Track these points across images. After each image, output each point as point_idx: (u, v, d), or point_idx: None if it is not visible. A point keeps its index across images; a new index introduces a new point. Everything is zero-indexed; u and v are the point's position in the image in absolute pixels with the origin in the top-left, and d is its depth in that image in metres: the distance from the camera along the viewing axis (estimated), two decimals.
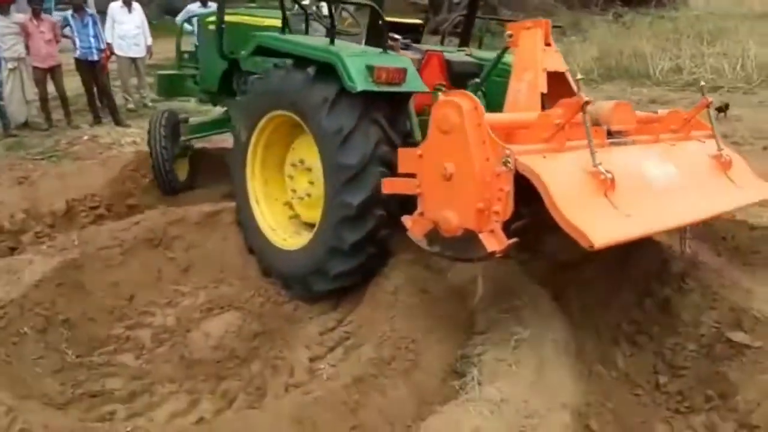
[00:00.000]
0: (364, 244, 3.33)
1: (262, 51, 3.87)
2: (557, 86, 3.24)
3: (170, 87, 5.98)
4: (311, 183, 3.73)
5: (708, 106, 3.22)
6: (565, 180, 2.34)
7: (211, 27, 4.96)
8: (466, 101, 2.52)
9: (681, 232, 3.28)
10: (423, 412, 2.51)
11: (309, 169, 3.72)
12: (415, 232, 2.77)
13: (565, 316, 3.10)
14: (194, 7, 9.16)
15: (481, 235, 2.46)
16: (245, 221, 4.05)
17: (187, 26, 6.60)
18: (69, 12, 8.62)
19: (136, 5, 9.28)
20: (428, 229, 2.69)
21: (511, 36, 3.42)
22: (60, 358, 3.34)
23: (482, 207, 2.44)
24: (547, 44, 3.36)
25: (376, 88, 3.18)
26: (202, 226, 4.32)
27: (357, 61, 3.20)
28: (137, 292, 3.93)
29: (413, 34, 4.78)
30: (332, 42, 3.42)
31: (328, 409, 2.40)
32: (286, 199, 4.02)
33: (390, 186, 3.00)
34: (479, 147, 2.46)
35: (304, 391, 2.53)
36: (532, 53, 3.30)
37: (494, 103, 3.65)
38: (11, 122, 7.91)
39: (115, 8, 9.14)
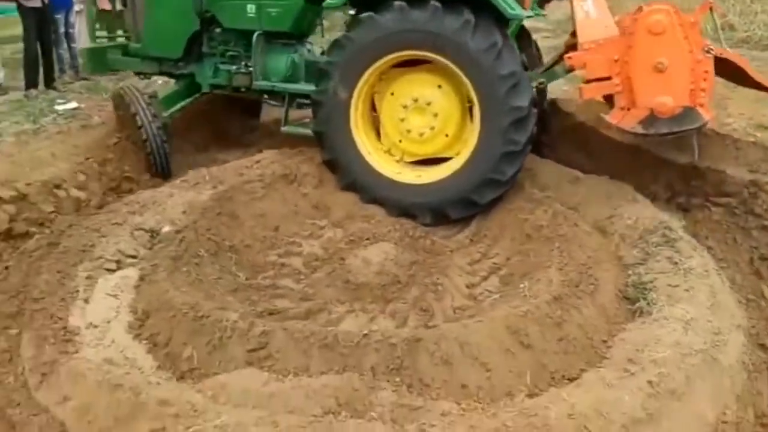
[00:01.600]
0: (518, 171, 3.85)
1: None
2: None
3: (101, 61, 5.38)
4: (435, 115, 4.04)
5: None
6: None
7: None
8: (671, 9, 3.38)
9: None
10: (613, 329, 2.82)
11: (428, 104, 4.04)
12: (627, 123, 3.50)
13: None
14: None
15: (698, 108, 3.37)
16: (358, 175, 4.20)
17: None
18: None
19: None
20: (644, 116, 3.44)
21: None
22: (233, 279, 3.63)
23: (693, 87, 3.38)
24: None
25: (526, 14, 4.01)
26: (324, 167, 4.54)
27: None
28: (281, 223, 4.19)
29: None
30: None
31: (536, 322, 2.70)
32: (388, 146, 4.30)
33: (589, 92, 3.62)
34: (685, 42, 3.37)
35: (506, 307, 2.80)
36: None
37: None
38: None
39: None
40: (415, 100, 4.07)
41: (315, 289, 3.63)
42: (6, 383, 2.71)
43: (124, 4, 5.27)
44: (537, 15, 4.86)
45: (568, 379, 2.62)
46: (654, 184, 4.18)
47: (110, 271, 3.43)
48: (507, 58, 3.71)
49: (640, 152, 4.21)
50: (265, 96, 5.06)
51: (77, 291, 3.14)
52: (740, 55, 3.93)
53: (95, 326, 2.87)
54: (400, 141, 4.24)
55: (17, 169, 4.52)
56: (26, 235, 4.08)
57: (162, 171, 4.94)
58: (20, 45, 7.04)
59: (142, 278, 3.29)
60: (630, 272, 3.25)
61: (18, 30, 7.15)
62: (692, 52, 3.35)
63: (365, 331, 2.67)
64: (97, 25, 5.27)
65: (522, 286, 2.99)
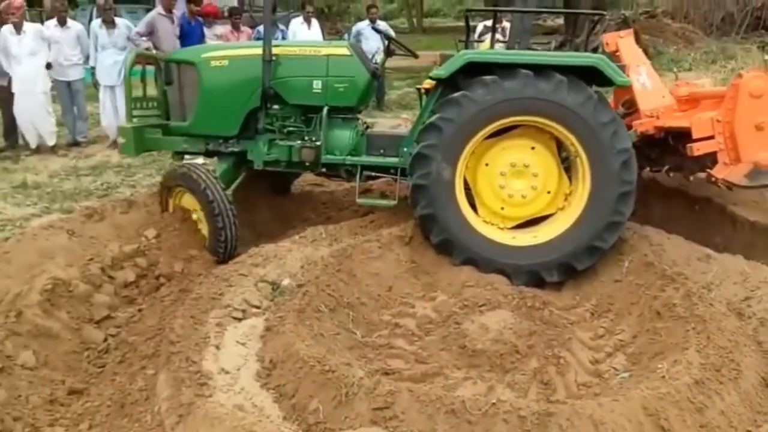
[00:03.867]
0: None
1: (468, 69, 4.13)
2: None
3: (140, 141, 5.00)
4: (535, 175, 4.22)
5: None
6: None
7: (219, 63, 4.80)
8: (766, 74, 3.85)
9: None
10: (758, 419, 2.62)
11: (526, 166, 4.22)
12: (734, 176, 3.88)
13: None
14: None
15: None
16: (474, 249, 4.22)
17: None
18: (262, 26, 9.29)
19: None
20: (749, 170, 3.84)
21: (608, 44, 4.76)
22: (349, 336, 3.68)
23: None
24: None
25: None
26: None
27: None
28: (394, 283, 4.24)
29: None
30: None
31: (676, 405, 2.55)
32: (488, 217, 4.37)
33: (698, 149, 3.91)
34: None
35: (643, 388, 2.67)
36: (636, 51, 4.74)
37: None
38: None
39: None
40: (513, 165, 4.23)
41: (429, 351, 3.61)
42: (143, 421, 2.85)
43: (168, 82, 5.09)
44: None
45: None
46: None
47: (237, 319, 3.59)
48: (622, 135, 3.99)
49: None
50: (323, 170, 4.99)
51: (209, 337, 3.29)
52: None
53: (227, 372, 2.99)
54: (502, 208, 4.34)
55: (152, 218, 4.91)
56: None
57: (230, 249, 4.62)
58: None
59: (268, 329, 3.40)
60: None
61: None
62: None
63: (494, 400, 2.61)
64: (135, 104, 5.03)
65: (660, 366, 2.83)
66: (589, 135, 3.95)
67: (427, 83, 5.01)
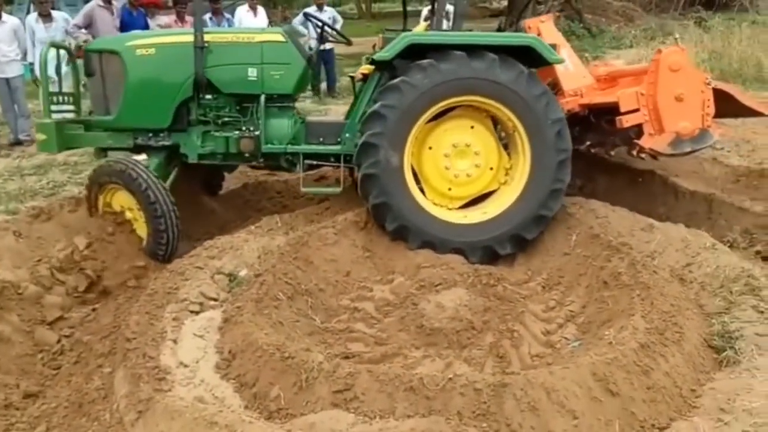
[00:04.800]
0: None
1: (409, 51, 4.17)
2: None
3: (61, 138, 4.65)
4: (477, 154, 4.34)
5: None
6: None
7: (146, 52, 4.55)
8: (684, 50, 4.20)
9: None
10: (701, 378, 2.76)
11: (467, 145, 4.33)
12: (659, 145, 4.12)
13: None
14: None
15: (710, 129, 4.10)
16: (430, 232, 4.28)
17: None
18: (208, 14, 9.12)
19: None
20: (671, 139, 4.10)
21: (530, 28, 5.04)
22: (309, 322, 3.70)
23: (703, 112, 4.07)
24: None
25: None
26: None
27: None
28: (352, 268, 4.28)
29: None
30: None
31: (623, 369, 2.67)
32: (437, 199, 4.47)
33: (626, 122, 4.12)
34: (696, 75, 4.17)
35: (592, 355, 2.78)
36: (557, 35, 5.04)
37: None
38: None
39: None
40: (455, 146, 4.35)
41: (388, 333, 3.67)
42: (102, 419, 2.82)
43: (89, 74, 4.75)
44: None
45: (658, 429, 2.58)
46: (730, 232, 4.11)
47: (194, 312, 3.58)
48: (554, 106, 4.18)
49: (714, 200, 4.16)
50: (261, 161, 4.84)
51: (165, 331, 3.27)
52: (731, 85, 4.70)
53: (185, 365, 2.98)
54: (450, 189, 4.45)
55: None
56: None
57: (171, 251, 4.40)
58: None
59: (226, 320, 3.40)
60: (714, 321, 3.18)
61: None
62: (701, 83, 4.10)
63: (450, 375, 2.68)
64: (53, 99, 4.69)
65: (607, 333, 2.95)
66: (525, 108, 4.10)
67: (366, 68, 4.99)
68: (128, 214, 4.54)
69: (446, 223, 4.32)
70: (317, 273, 4.09)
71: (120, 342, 3.28)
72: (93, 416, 2.87)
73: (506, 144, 4.52)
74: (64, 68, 5.25)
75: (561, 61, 4.44)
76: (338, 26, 10.01)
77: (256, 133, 4.61)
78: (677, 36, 4.88)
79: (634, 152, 4.73)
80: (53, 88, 4.87)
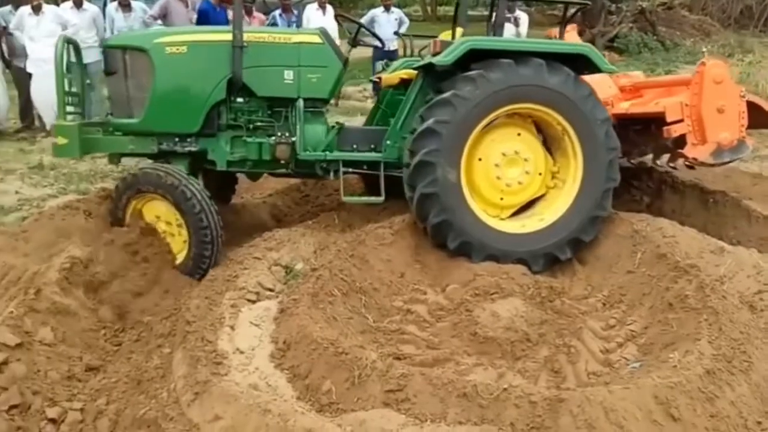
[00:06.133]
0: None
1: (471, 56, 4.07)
2: None
3: (85, 142, 4.29)
4: (526, 160, 4.26)
5: None
6: None
7: (176, 50, 4.21)
8: (726, 63, 4.43)
9: None
10: None
11: (516, 152, 4.25)
12: (702, 155, 4.20)
13: None
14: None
15: (746, 140, 4.23)
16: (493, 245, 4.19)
17: None
18: (278, 11, 9.29)
19: None
20: (713, 149, 4.18)
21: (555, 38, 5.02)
22: (361, 320, 3.71)
23: (739, 123, 4.20)
24: None
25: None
26: None
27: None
28: (406, 270, 4.27)
29: None
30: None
31: (687, 395, 2.57)
32: (491, 211, 4.37)
33: (671, 132, 4.19)
34: (735, 88, 4.29)
35: (654, 377, 2.69)
36: None
37: None
38: None
39: None
40: (505, 155, 4.25)
41: (440, 338, 3.64)
42: (160, 397, 2.90)
43: (110, 72, 4.39)
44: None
45: None
46: None
47: (251, 301, 3.64)
48: (600, 106, 4.20)
49: None
50: (292, 169, 4.58)
51: (224, 317, 3.34)
52: (759, 97, 4.71)
53: (241, 352, 3.04)
54: (501, 199, 4.35)
55: None
56: None
57: (210, 268, 4.05)
58: None
59: (282, 311, 3.45)
60: None
61: None
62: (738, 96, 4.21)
63: (505, 386, 2.64)
64: (69, 99, 4.32)
65: (671, 356, 2.85)
66: (574, 111, 4.08)
67: (405, 73, 4.78)
68: (162, 226, 4.21)
69: (506, 234, 4.25)
70: (372, 272, 4.09)
71: (180, 324, 3.36)
72: (151, 394, 2.95)
73: (548, 147, 4.46)
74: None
75: (614, 71, 4.56)
76: (404, 28, 10.06)
77: (293, 139, 4.36)
78: (705, 50, 5.35)
79: (672, 163, 4.80)
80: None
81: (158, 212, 4.19)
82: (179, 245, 4.17)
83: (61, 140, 4.24)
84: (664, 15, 17.26)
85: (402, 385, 2.70)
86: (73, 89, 4.44)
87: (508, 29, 9.74)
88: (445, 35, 5.44)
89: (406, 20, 10.76)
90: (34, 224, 4.55)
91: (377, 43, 5.56)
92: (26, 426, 2.81)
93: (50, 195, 6.11)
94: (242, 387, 2.72)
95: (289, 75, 4.35)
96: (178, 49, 4.21)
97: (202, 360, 2.91)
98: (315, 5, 9.80)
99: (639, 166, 5.33)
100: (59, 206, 4.75)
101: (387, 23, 9.97)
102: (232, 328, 3.24)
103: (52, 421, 2.86)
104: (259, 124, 4.46)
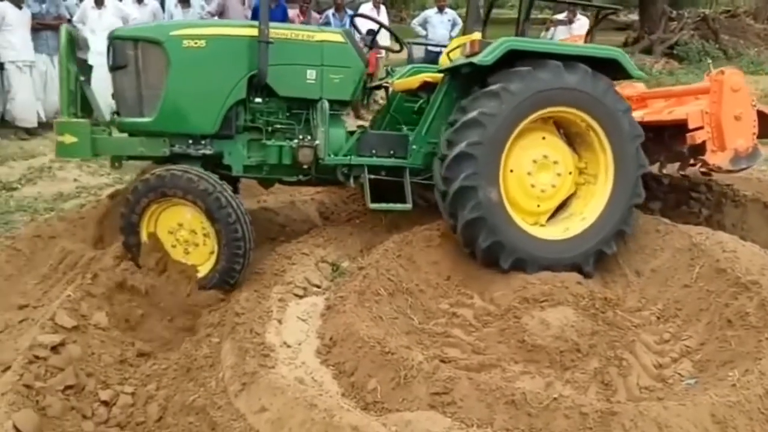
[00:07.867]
0: None
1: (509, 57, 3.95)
2: None
3: (95, 142, 3.91)
4: (555, 163, 4.18)
5: None
6: None
7: (194, 44, 3.89)
8: (741, 72, 4.47)
9: None
10: None
11: (545, 156, 4.16)
12: (722, 161, 4.28)
13: None
14: None
15: (758, 146, 4.37)
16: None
17: None
18: (331, 11, 9.37)
19: None
20: (731, 156, 4.28)
21: None
22: (407, 321, 3.69)
23: (753, 131, 4.32)
24: None
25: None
26: None
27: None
28: (453, 273, 4.23)
29: None
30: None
31: (746, 415, 2.46)
32: (530, 211, 4.26)
33: (694, 138, 4.27)
34: (750, 96, 4.37)
35: (712, 395, 2.59)
36: None
37: None
38: None
39: None
40: (535, 161, 4.15)
41: (486, 343, 3.58)
42: (208, 386, 2.94)
43: (119, 66, 3.93)
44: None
45: None
46: None
47: (298, 296, 3.67)
48: (618, 96, 4.17)
49: None
50: (311, 176, 4.33)
51: (272, 311, 3.37)
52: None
53: (288, 346, 3.06)
54: (538, 206, 4.25)
55: None
56: None
57: (238, 281, 3.81)
58: None
59: (328, 307, 3.47)
60: None
61: None
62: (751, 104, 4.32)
63: (555, 395, 2.58)
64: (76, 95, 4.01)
65: (730, 375, 2.74)
66: (597, 105, 4.04)
67: (429, 76, 4.64)
68: (184, 234, 3.85)
69: (554, 242, 4.14)
70: (419, 273, 4.07)
71: (229, 315, 3.40)
72: (200, 382, 3.00)
73: (570, 143, 4.37)
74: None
75: (643, 77, 4.59)
76: (457, 29, 9.99)
77: (316, 142, 4.08)
78: (710, 61, 5.26)
79: (683, 171, 4.86)
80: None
81: (181, 219, 3.80)
82: (203, 256, 3.84)
83: (69, 138, 3.83)
84: (727, 23, 16.68)
85: (448, 389, 2.67)
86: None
87: (562, 31, 9.61)
88: (457, 40, 5.42)
89: (459, 21, 10.64)
90: (92, 211, 4.69)
91: (398, 45, 5.35)
92: (79, 407, 2.89)
93: (107, 184, 6.31)
94: (289, 380, 2.74)
95: (311, 74, 4.11)
96: (195, 43, 3.89)
97: (250, 351, 2.95)
98: (369, 5, 9.82)
99: (697, 179, 5.18)
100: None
101: (440, 24, 9.92)
102: (280, 321, 3.27)
103: (105, 403, 2.94)
104: (278, 126, 4.18)
